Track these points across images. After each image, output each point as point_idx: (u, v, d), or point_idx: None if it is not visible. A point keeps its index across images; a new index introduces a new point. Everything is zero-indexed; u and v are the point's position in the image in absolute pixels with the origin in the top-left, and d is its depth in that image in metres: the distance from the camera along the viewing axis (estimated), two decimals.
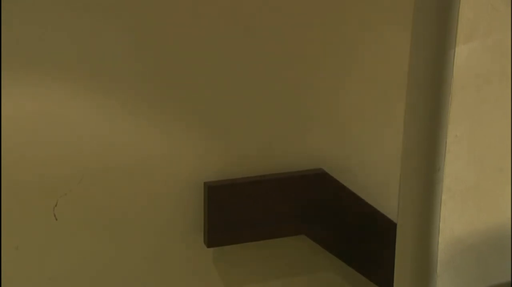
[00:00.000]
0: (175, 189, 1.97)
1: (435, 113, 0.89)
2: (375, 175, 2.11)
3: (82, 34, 1.79)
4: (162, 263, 2.02)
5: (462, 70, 0.88)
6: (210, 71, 1.94)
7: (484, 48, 0.88)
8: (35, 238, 1.86)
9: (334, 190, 2.09)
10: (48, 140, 1.82)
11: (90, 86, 1.82)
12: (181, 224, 2.01)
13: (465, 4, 0.86)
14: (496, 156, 0.94)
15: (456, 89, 0.88)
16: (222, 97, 1.97)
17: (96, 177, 1.88)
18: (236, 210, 1.99)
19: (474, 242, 0.94)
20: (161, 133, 1.92)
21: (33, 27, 1.74)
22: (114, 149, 1.88)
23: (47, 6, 1.74)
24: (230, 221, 1.99)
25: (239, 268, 2.12)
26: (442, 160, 0.90)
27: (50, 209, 1.85)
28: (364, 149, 2.05)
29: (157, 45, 1.87)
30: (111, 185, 1.90)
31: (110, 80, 1.84)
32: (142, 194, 1.94)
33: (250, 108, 2.00)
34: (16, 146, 1.78)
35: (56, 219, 1.86)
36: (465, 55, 0.88)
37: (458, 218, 0.93)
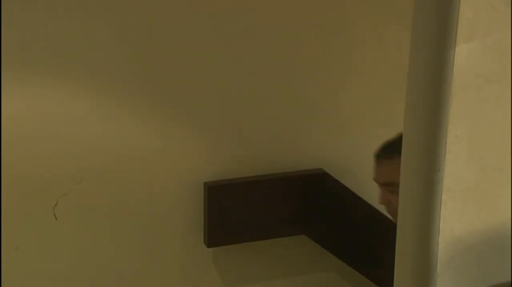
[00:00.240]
0: (175, 189, 1.97)
1: (435, 113, 0.89)
2: None
3: (82, 35, 1.79)
4: (162, 262, 2.01)
5: (462, 70, 0.88)
6: (210, 72, 1.93)
7: (484, 48, 0.88)
8: (35, 238, 1.86)
9: (334, 190, 2.09)
10: (48, 141, 1.82)
11: (90, 86, 1.82)
12: (181, 224, 2.01)
13: (465, 4, 0.86)
14: (496, 156, 0.93)
15: (456, 89, 0.88)
16: (222, 98, 1.97)
17: (96, 177, 1.88)
18: (236, 210, 1.99)
19: (474, 242, 0.94)
20: (161, 134, 1.92)
21: (33, 27, 1.73)
22: (114, 149, 1.88)
23: (47, 6, 1.74)
24: (230, 221, 1.99)
25: (239, 268, 2.11)
26: (442, 160, 0.89)
27: (50, 209, 1.85)
28: (364, 149, 2.04)
29: (157, 45, 1.87)
30: (111, 185, 1.90)
31: (110, 81, 1.84)
32: (142, 194, 1.94)
33: (250, 109, 2.00)
34: (16, 146, 1.78)
35: (56, 219, 1.86)
36: (465, 55, 0.87)
37: (458, 218, 0.92)
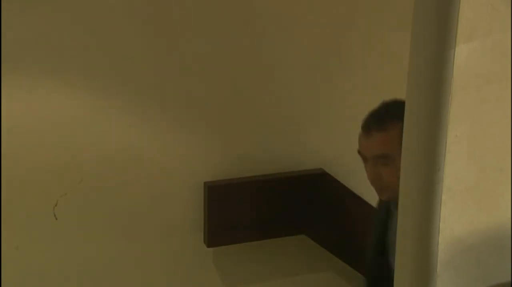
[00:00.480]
0: (175, 189, 1.97)
1: (435, 113, 0.89)
2: None
3: (82, 35, 1.79)
4: (162, 262, 2.01)
5: (462, 70, 0.87)
6: (210, 73, 1.93)
7: (484, 48, 0.88)
8: (35, 238, 1.86)
9: (334, 190, 2.09)
10: (48, 141, 1.82)
11: (90, 86, 1.82)
12: (181, 224, 2.01)
13: (465, 4, 0.86)
14: (496, 156, 0.93)
15: (456, 89, 0.88)
16: (222, 98, 1.97)
17: (96, 177, 1.88)
18: (236, 210, 1.99)
19: (474, 242, 0.94)
20: (161, 134, 1.92)
21: (33, 27, 1.73)
22: (114, 149, 1.88)
23: (47, 6, 1.74)
24: (230, 221, 1.99)
25: (239, 268, 2.11)
26: (442, 160, 0.89)
27: (50, 209, 1.85)
28: None
29: (157, 46, 1.87)
30: (111, 185, 1.90)
31: (110, 81, 1.84)
32: (142, 194, 1.94)
33: (250, 109, 2.00)
34: (16, 146, 1.78)
35: (56, 219, 1.86)
36: (465, 55, 0.87)
37: (458, 218, 0.92)
